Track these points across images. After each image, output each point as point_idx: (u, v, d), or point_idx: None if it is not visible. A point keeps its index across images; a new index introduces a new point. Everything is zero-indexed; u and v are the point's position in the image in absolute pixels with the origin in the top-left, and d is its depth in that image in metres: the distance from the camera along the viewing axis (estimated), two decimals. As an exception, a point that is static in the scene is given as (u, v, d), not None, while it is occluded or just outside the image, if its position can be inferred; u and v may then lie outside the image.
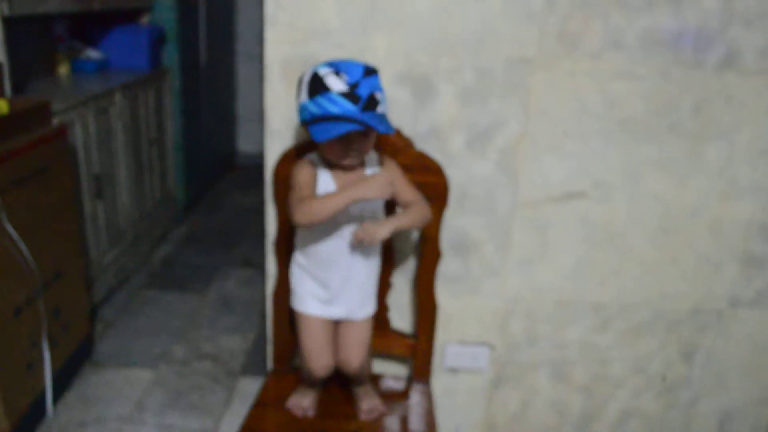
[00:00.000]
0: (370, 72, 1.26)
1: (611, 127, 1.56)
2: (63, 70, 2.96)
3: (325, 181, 1.36)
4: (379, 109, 1.26)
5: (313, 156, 1.39)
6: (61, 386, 2.17)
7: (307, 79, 1.27)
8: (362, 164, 1.38)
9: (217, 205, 4.17)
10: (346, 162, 1.32)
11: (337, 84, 1.23)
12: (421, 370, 1.66)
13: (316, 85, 1.24)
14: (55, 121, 2.16)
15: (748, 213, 1.66)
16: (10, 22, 2.20)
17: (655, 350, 1.80)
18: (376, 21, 1.45)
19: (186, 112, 3.71)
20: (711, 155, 1.60)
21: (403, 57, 1.49)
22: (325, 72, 1.25)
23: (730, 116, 1.56)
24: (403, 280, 1.68)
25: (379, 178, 1.28)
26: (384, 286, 1.59)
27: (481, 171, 1.59)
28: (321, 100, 1.24)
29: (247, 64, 4.92)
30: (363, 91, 1.23)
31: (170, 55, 3.52)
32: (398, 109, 1.53)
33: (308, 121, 1.27)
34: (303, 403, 1.54)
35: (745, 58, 1.51)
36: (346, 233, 1.37)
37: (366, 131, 1.27)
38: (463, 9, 1.45)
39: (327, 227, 1.37)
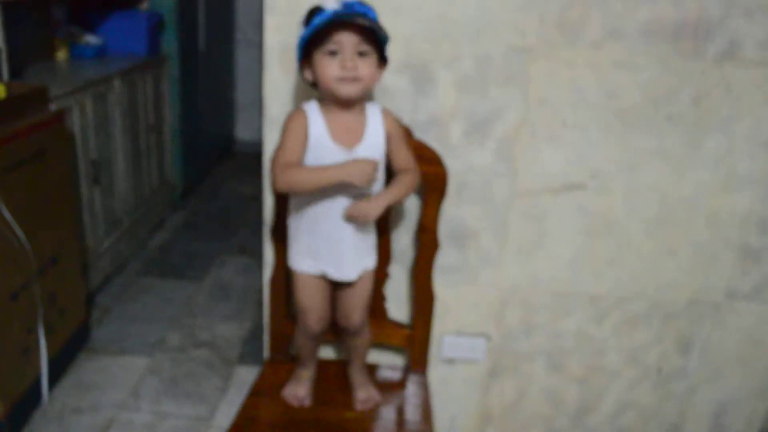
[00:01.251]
0: (365, 3, 1.25)
1: (610, 118, 1.56)
2: (61, 55, 2.94)
3: (317, 127, 1.30)
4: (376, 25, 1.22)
5: (309, 104, 1.33)
6: (57, 372, 2.17)
7: (305, 14, 1.26)
8: (362, 107, 1.33)
9: (215, 193, 4.16)
10: (342, 90, 1.25)
11: (330, 3, 1.22)
12: (417, 360, 1.66)
13: (312, 12, 1.24)
14: (53, 106, 2.15)
15: (747, 205, 1.66)
16: (8, 7, 2.19)
17: (651, 342, 1.80)
18: (375, 8, 1.44)
19: (184, 99, 3.69)
20: (710, 146, 1.59)
21: (402, 44, 1.48)
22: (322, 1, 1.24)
23: (730, 107, 1.56)
24: (400, 270, 1.68)
25: (366, 167, 1.24)
26: (381, 276, 1.59)
27: (480, 160, 1.59)
28: (314, 19, 1.22)
29: (245, 51, 4.90)
30: (357, 8, 1.22)
31: (169, 42, 3.50)
32: (397, 97, 1.52)
33: (301, 47, 1.26)
34: (299, 392, 1.54)
35: (745, 49, 1.50)
36: (335, 197, 1.32)
37: (361, 51, 1.24)
38: (462, -3, 1.44)
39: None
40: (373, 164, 1.25)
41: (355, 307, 1.46)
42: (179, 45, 3.56)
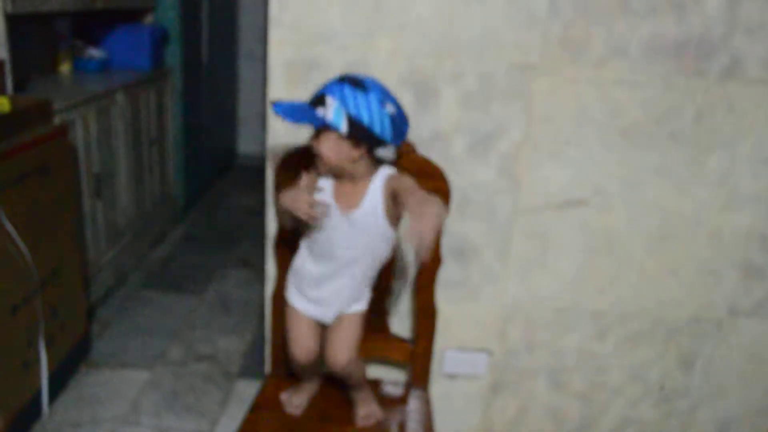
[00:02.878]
0: (343, 80, 1.27)
1: (612, 135, 1.56)
2: (65, 68, 2.95)
3: (326, 181, 1.36)
4: (320, 110, 1.25)
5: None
6: (57, 386, 2.16)
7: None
8: (366, 177, 1.34)
9: (217, 206, 4.16)
10: (321, 169, 1.33)
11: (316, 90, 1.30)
12: (419, 375, 1.65)
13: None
14: (57, 119, 2.15)
15: (749, 222, 1.66)
16: (12, 20, 2.20)
17: (653, 359, 1.80)
18: (379, 24, 1.45)
19: (187, 113, 3.70)
20: (712, 164, 1.60)
21: (406, 61, 1.49)
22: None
23: (732, 125, 1.56)
24: (402, 286, 1.68)
25: (300, 195, 1.28)
26: (383, 291, 1.58)
27: (483, 177, 1.59)
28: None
29: (248, 65, 4.92)
30: (320, 91, 1.27)
31: (172, 55, 3.52)
32: (400, 113, 1.52)
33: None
34: (294, 400, 1.55)
35: (747, 68, 1.51)
36: (328, 250, 1.37)
37: (316, 132, 1.28)
38: (466, 14, 1.45)
39: (317, 239, 1.38)
40: (307, 199, 1.28)
41: (340, 348, 1.45)
42: (182, 59, 3.57)
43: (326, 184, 1.37)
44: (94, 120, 2.57)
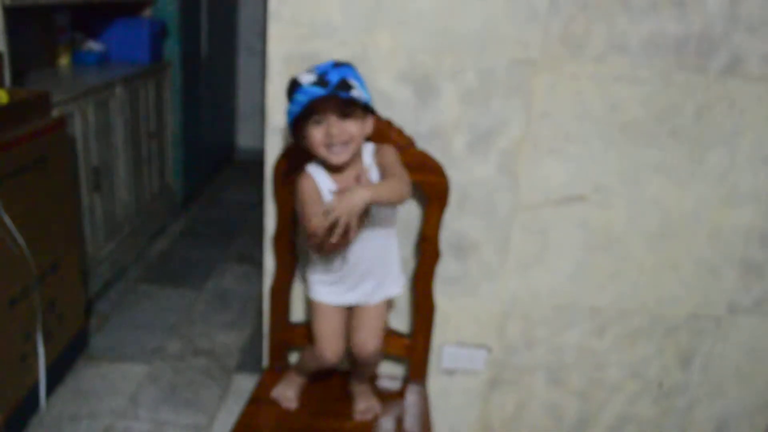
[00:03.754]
0: (339, 64, 1.30)
1: (612, 131, 1.56)
2: (64, 61, 2.94)
3: (326, 184, 1.37)
4: (354, 92, 1.26)
5: (312, 166, 1.39)
6: (55, 379, 2.16)
7: (286, 87, 1.31)
8: (357, 160, 1.37)
9: (215, 200, 4.16)
10: (333, 159, 1.31)
11: (307, 77, 1.27)
12: (417, 370, 1.65)
13: (292, 87, 1.29)
14: (55, 112, 2.15)
15: (749, 219, 1.66)
16: (11, 12, 2.19)
17: (652, 355, 1.80)
18: (379, 19, 1.44)
19: (186, 106, 3.69)
20: (712, 161, 1.59)
21: (405, 56, 1.48)
22: (298, 74, 1.29)
23: (732, 122, 1.56)
24: (400, 280, 1.68)
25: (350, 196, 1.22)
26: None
27: (482, 172, 1.59)
28: (295, 96, 1.27)
29: (247, 59, 4.91)
30: (333, 77, 1.26)
31: (171, 49, 3.51)
32: (400, 108, 1.52)
33: (290, 122, 1.32)
34: (287, 393, 1.56)
35: (748, 64, 1.51)
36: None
37: (344, 113, 1.28)
38: (466, 9, 1.44)
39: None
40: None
41: (370, 336, 1.47)
42: (181, 52, 3.56)
43: (324, 178, 1.37)
44: (93, 113, 2.56)
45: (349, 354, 1.51)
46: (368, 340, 1.46)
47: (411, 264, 1.66)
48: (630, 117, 1.54)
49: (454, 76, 1.50)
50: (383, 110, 1.50)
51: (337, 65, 1.29)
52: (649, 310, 1.74)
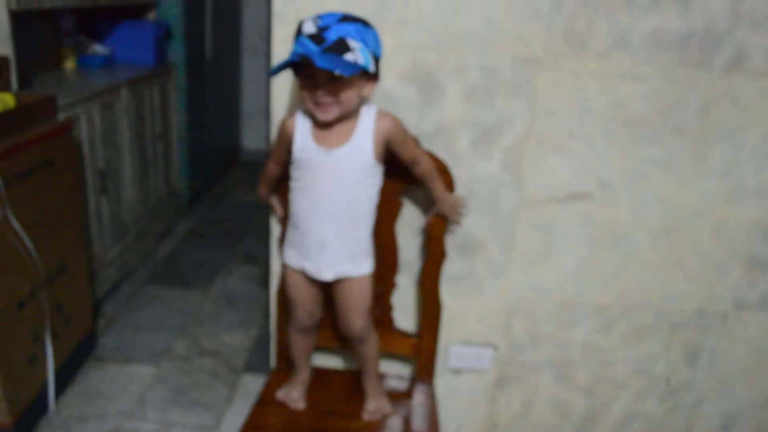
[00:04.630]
0: (347, 19, 1.23)
1: (616, 128, 1.56)
2: (69, 64, 2.96)
3: (303, 130, 1.34)
4: (349, 55, 1.20)
5: (301, 112, 1.37)
6: (63, 381, 2.17)
7: (295, 28, 1.27)
8: (349, 121, 1.33)
9: (221, 201, 4.17)
10: (319, 115, 1.28)
11: (308, 27, 1.22)
12: (424, 370, 1.66)
13: (296, 32, 1.25)
14: (61, 115, 2.16)
15: (753, 215, 1.66)
16: (17, 16, 2.20)
17: (658, 352, 1.80)
18: (382, 18, 1.44)
19: (191, 108, 3.71)
20: (716, 157, 1.59)
21: (409, 55, 1.49)
22: (307, 18, 1.24)
23: (736, 118, 1.56)
24: (407, 280, 1.68)
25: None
26: (388, 285, 1.59)
27: (486, 170, 1.59)
28: (294, 43, 1.24)
29: (251, 60, 4.92)
30: (331, 35, 1.20)
31: (176, 51, 3.52)
32: (404, 107, 1.52)
33: (278, 68, 1.25)
34: (293, 393, 1.56)
35: (752, 60, 1.50)
36: (323, 195, 1.35)
37: (336, 78, 1.23)
38: (469, 7, 1.44)
39: (303, 185, 1.37)
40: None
41: (350, 312, 1.46)
42: (186, 54, 3.57)
43: (304, 124, 1.35)
44: (99, 116, 2.57)
45: (341, 335, 1.54)
46: (351, 320, 1.46)
47: (417, 264, 1.66)
48: (634, 114, 1.54)
49: (457, 75, 1.50)
50: (387, 108, 1.50)
51: (344, 20, 1.22)
52: (654, 306, 1.74)
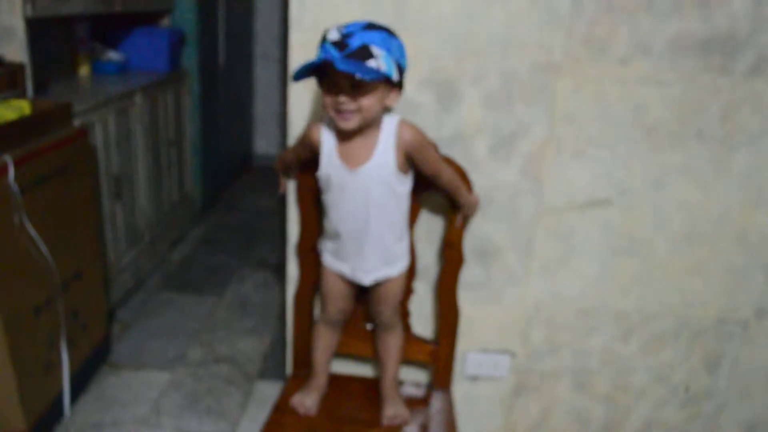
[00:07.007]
0: (372, 27, 1.22)
1: (637, 134, 1.54)
2: (84, 71, 2.97)
3: (329, 144, 1.34)
4: (372, 62, 1.19)
5: (326, 123, 1.36)
6: (79, 387, 2.17)
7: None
8: (375, 126, 1.31)
9: (234, 207, 4.17)
10: (340, 124, 1.26)
11: (333, 34, 1.21)
12: (441, 377, 1.64)
13: (321, 39, 1.23)
14: (76, 122, 2.16)
15: (776, 222, 1.64)
16: (32, 24, 2.21)
17: (678, 360, 1.77)
18: (400, 25, 1.43)
19: (204, 114, 3.71)
20: (739, 163, 1.57)
21: (427, 61, 1.48)
22: (333, 26, 1.23)
23: (759, 123, 1.54)
24: (425, 286, 1.67)
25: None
26: (406, 291, 1.58)
27: (505, 177, 1.58)
28: (318, 50, 1.23)
29: (264, 66, 4.92)
30: (354, 41, 1.19)
31: (189, 57, 3.53)
32: (422, 113, 1.52)
33: (300, 72, 1.23)
34: (306, 401, 1.55)
35: (775, 65, 1.49)
36: (344, 208, 1.37)
37: (357, 83, 1.21)
38: (487, 13, 1.44)
39: (332, 201, 1.38)
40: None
41: (383, 305, 1.51)
42: (200, 60, 3.58)
43: (329, 137, 1.34)
44: (113, 122, 2.58)
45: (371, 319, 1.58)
46: (381, 309, 1.52)
47: (434, 270, 1.65)
48: (654, 119, 1.53)
49: (476, 81, 1.49)
50: (405, 115, 1.50)
51: (369, 27, 1.21)
52: (675, 314, 1.72)
